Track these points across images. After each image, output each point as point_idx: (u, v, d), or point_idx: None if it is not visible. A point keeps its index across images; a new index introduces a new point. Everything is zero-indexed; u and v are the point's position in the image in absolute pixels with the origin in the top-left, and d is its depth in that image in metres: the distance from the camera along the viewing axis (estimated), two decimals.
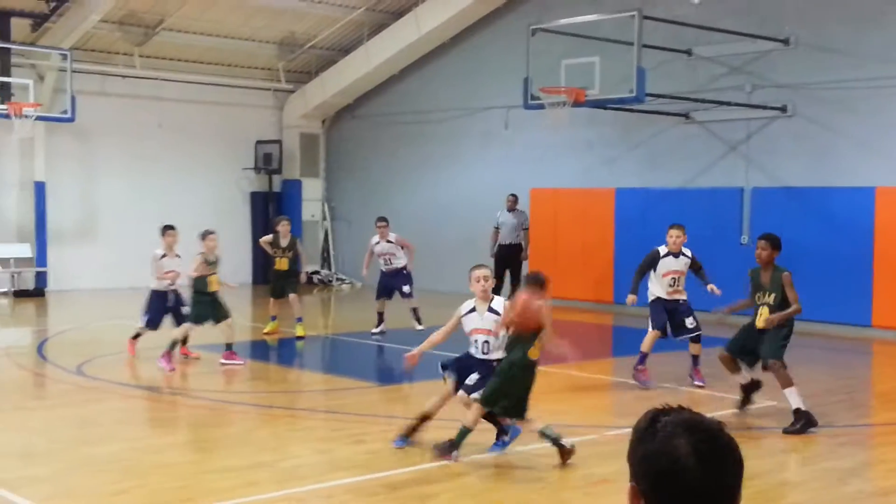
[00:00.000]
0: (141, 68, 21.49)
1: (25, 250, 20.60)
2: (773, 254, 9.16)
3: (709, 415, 2.15)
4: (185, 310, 12.46)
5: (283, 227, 14.70)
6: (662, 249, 10.89)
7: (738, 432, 2.02)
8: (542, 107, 15.52)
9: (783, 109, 16.33)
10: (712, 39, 16.95)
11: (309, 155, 24.14)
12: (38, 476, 7.41)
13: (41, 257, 20.69)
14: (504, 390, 7.59)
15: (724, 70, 17.15)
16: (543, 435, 7.62)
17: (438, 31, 20.92)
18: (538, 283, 7.89)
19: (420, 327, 14.20)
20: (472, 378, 7.84)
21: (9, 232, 20.75)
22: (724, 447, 2.06)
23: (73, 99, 18.65)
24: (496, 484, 7.39)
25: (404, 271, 14.90)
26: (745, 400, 9.48)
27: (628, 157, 18.51)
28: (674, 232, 10.91)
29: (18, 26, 19.93)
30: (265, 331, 14.77)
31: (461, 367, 7.99)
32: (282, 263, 14.58)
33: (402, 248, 14.98)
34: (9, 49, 19.37)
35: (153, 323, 12.44)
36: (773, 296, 9.04)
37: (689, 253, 10.92)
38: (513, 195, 18.71)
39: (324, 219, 24.30)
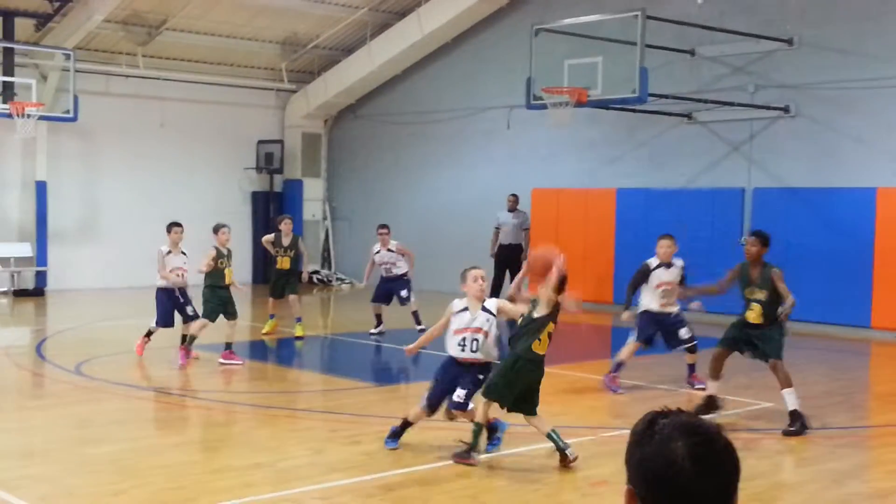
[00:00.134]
0: (144, 68, 21.51)
1: (26, 249, 20.62)
2: (762, 250, 9.18)
3: (710, 415, 2.14)
4: (190, 309, 12.45)
5: (286, 225, 14.68)
6: (653, 262, 10.74)
7: (734, 434, 2.01)
8: (544, 107, 15.51)
9: (786, 110, 16.32)
10: (715, 39, 16.93)
11: (310, 155, 24.15)
12: (37, 476, 7.41)
13: (41, 257, 20.71)
14: (506, 383, 7.57)
15: (727, 70, 17.13)
16: (550, 438, 7.60)
17: (441, 31, 20.92)
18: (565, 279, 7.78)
19: (420, 328, 14.18)
20: (460, 394, 7.79)
21: (9, 231, 20.78)
22: (720, 451, 2.05)
23: (75, 99, 18.67)
24: (493, 485, 7.37)
25: (404, 277, 14.84)
26: (703, 411, 9.25)
27: (630, 158, 18.49)
28: (664, 242, 10.75)
29: (22, 26, 19.95)
30: (264, 331, 14.75)
31: (442, 389, 7.95)
32: (283, 262, 14.54)
33: (403, 255, 14.89)
34: (12, 49, 19.41)
35: (164, 321, 12.43)
36: (763, 292, 9.04)
37: (680, 263, 10.76)
38: (513, 195, 18.71)
39: (324, 218, 24.30)
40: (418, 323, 14.37)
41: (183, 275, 12.49)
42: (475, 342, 7.85)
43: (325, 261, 24.17)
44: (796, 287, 15.13)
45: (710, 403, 9.29)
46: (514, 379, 7.60)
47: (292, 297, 14.44)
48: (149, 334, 12.53)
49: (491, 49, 20.64)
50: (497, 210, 18.83)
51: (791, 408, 8.90)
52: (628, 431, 2.15)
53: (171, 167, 22.39)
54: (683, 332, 10.65)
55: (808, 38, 16.16)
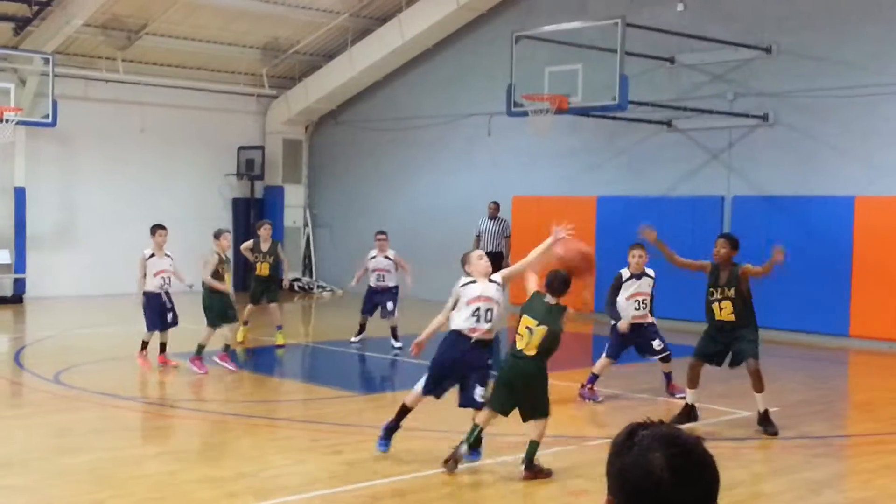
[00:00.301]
0: (124, 73, 21.42)
1: (4, 256, 20.46)
2: (731, 253, 9.35)
3: (688, 425, 2.16)
4: (170, 316, 12.41)
5: (265, 231, 14.56)
6: (625, 272, 10.73)
7: (713, 443, 2.03)
8: (525, 114, 15.55)
9: (764, 118, 16.42)
10: (695, 48, 17.03)
11: (291, 161, 24.11)
12: (15, 486, 7.37)
13: (20, 263, 20.56)
14: (496, 384, 7.63)
15: (707, 78, 17.23)
16: (531, 445, 7.62)
17: (422, 38, 20.94)
18: (566, 284, 7.78)
19: (398, 346, 14.09)
20: (481, 393, 7.72)
21: None
22: (699, 462, 2.06)
23: (54, 103, 18.57)
24: (475, 494, 7.39)
25: (393, 291, 14.52)
26: (681, 420, 9.32)
27: (611, 165, 18.56)
28: (636, 252, 10.71)
29: (0, 30, 19.84)
30: (237, 339, 14.61)
31: (444, 373, 7.89)
32: (262, 269, 14.35)
33: (398, 266, 14.56)
34: None
35: (154, 325, 12.34)
36: (732, 289, 9.25)
37: (651, 273, 10.77)
38: (494, 203, 18.74)
39: (306, 225, 24.27)
40: (395, 338, 14.20)
41: (169, 278, 12.43)
42: (489, 312, 7.83)
43: (307, 268, 24.12)
44: (775, 295, 15.30)
45: (689, 412, 9.39)
46: (499, 378, 7.62)
47: (272, 305, 14.31)
48: (144, 346, 12.40)
49: (472, 56, 20.68)
50: (478, 217, 18.85)
51: (764, 408, 9.19)
52: (608, 441, 2.17)
53: (152, 173, 22.30)
54: (656, 344, 10.67)
55: (786, 46, 16.28)
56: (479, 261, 8.05)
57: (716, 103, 16.82)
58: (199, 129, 22.91)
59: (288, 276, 15.17)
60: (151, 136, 22.20)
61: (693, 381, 9.47)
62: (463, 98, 20.84)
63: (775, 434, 9.11)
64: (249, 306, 14.75)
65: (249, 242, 14.77)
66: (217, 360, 12.19)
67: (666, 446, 2.05)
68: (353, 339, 14.71)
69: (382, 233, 14.84)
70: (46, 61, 18.89)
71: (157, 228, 12.56)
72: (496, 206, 18.72)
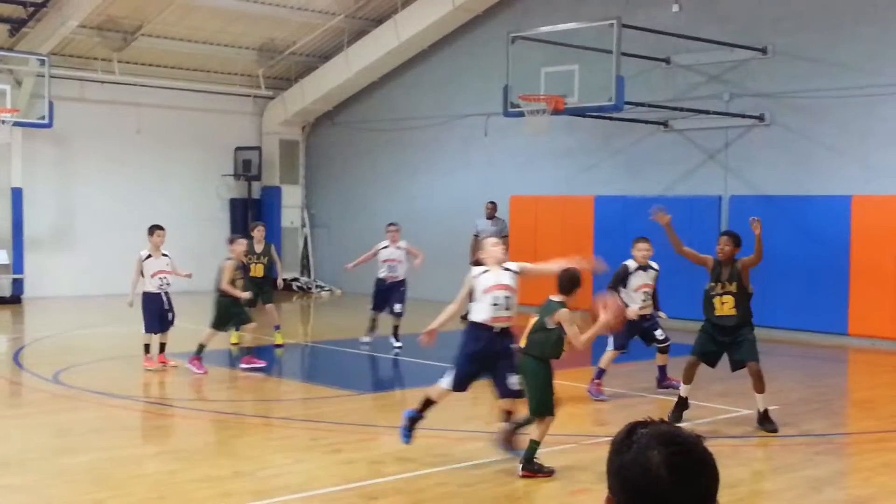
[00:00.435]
0: (120, 74, 21.41)
1: (2, 257, 20.44)
2: (735, 250, 9.44)
3: (688, 423, 2.16)
4: (170, 316, 12.41)
5: (258, 232, 14.60)
6: (632, 264, 10.82)
7: (713, 441, 2.04)
8: (521, 114, 15.55)
9: (761, 118, 16.45)
10: (691, 48, 17.05)
11: (288, 161, 24.11)
12: (14, 486, 7.36)
13: (18, 264, 20.54)
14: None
15: (703, 79, 17.25)
16: (529, 444, 7.64)
17: (418, 38, 20.95)
18: (574, 282, 7.77)
19: (398, 345, 14.06)
20: (515, 381, 7.69)
21: None
22: (698, 460, 2.06)
23: (50, 105, 18.56)
24: (475, 493, 7.38)
25: (402, 287, 14.41)
26: (678, 416, 9.38)
27: (607, 165, 18.58)
28: (642, 245, 10.83)
29: None
30: (232, 341, 14.61)
31: (472, 368, 7.84)
32: (257, 270, 14.38)
33: (409, 254, 14.48)
34: None
35: (152, 327, 12.31)
36: (733, 284, 9.33)
37: (655, 266, 10.89)
38: (492, 203, 18.74)
39: (303, 226, 24.26)
40: (396, 338, 14.14)
41: (166, 278, 12.41)
42: (507, 299, 7.80)
43: (304, 268, 24.11)
44: (773, 294, 15.32)
45: (683, 404, 9.46)
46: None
47: (269, 305, 14.33)
48: (147, 349, 12.35)
49: (468, 56, 20.69)
50: (475, 217, 18.85)
51: (764, 407, 9.25)
52: (608, 439, 2.18)
53: (148, 174, 22.28)
54: (658, 333, 10.84)
55: (782, 47, 16.31)
56: (494, 248, 8.01)
57: (712, 104, 16.84)
58: (196, 130, 22.90)
59: (281, 276, 15.12)
60: (148, 137, 22.19)
61: (688, 379, 9.54)
62: (459, 99, 20.85)
63: (775, 431, 9.16)
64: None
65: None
66: (244, 366, 12.29)
67: (665, 444, 2.06)
68: (364, 339, 14.46)
69: (394, 224, 14.78)
70: (42, 62, 18.90)
71: (154, 229, 12.53)
72: (493, 206, 18.72)
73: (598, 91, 14.90)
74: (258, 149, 23.44)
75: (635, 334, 10.84)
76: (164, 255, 12.46)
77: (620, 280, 10.78)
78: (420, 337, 8.02)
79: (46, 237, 21.16)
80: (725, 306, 9.34)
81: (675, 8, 17.30)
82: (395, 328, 14.30)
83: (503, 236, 18.71)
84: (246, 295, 12.47)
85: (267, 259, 14.44)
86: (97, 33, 20.51)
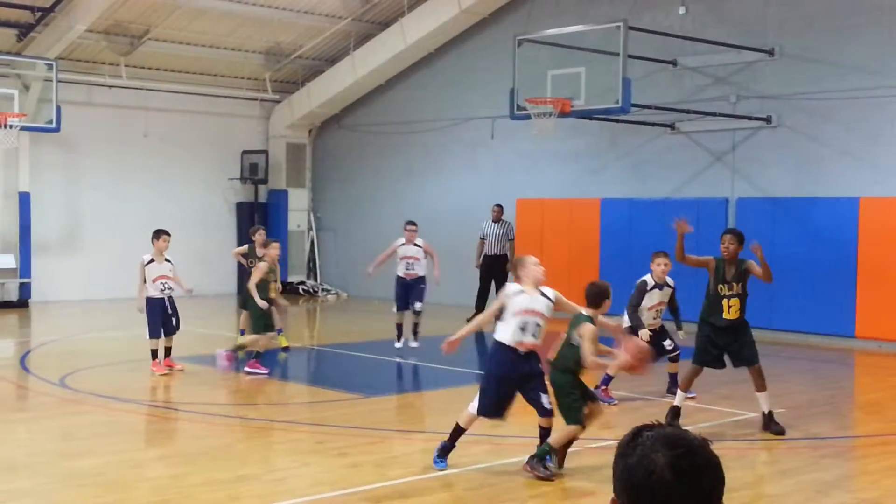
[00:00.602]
0: (127, 78, 21.45)
1: (9, 261, 20.51)
2: (739, 248, 9.38)
3: (694, 426, 2.16)
4: (174, 321, 12.42)
5: (260, 236, 14.60)
6: (650, 280, 10.58)
7: (718, 444, 2.03)
8: (528, 117, 15.55)
9: (768, 120, 16.41)
10: (697, 50, 17.04)
11: (295, 165, 24.13)
12: (21, 490, 7.37)
13: (25, 268, 20.60)
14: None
15: (709, 81, 17.23)
16: (544, 445, 7.66)
17: (425, 42, 20.96)
18: (602, 295, 7.79)
19: (415, 344, 14.04)
20: (547, 401, 7.64)
21: None
22: (703, 463, 2.06)
23: (58, 109, 18.60)
24: (479, 497, 7.37)
25: (421, 284, 14.37)
26: (673, 418, 9.31)
27: (614, 168, 18.56)
28: (661, 260, 10.57)
29: (3, 36, 19.89)
30: (238, 342, 14.60)
31: (504, 392, 7.75)
32: None
33: (426, 254, 14.49)
34: None
35: (155, 332, 12.29)
36: (739, 285, 9.30)
37: (671, 283, 10.68)
38: (498, 205, 18.74)
39: (310, 229, 24.27)
40: (415, 337, 14.09)
41: (168, 283, 12.40)
42: (537, 326, 7.67)
43: (311, 271, 24.13)
44: (780, 297, 15.28)
45: (676, 412, 9.41)
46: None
47: (270, 308, 14.36)
48: (154, 355, 12.35)
49: (474, 59, 20.69)
50: (482, 220, 18.85)
51: (767, 409, 9.25)
52: (614, 443, 2.17)
53: (155, 178, 22.33)
54: (667, 344, 10.69)
55: (789, 48, 16.28)
56: (535, 267, 7.80)
57: (719, 106, 16.81)
58: (203, 134, 22.95)
59: (279, 281, 15.06)
60: (155, 141, 22.24)
61: (687, 386, 9.54)
62: (466, 101, 20.85)
63: (782, 433, 9.14)
64: (244, 313, 14.72)
65: (244, 248, 14.90)
66: (247, 369, 12.33)
67: (669, 447, 2.06)
68: (397, 345, 14.40)
69: (412, 223, 14.73)
70: (50, 67, 18.94)
71: (160, 233, 12.48)
72: (500, 209, 18.72)
73: (605, 93, 14.89)
74: (265, 152, 23.47)
75: None
76: (167, 260, 12.43)
77: (641, 297, 10.51)
78: (442, 345, 7.95)
79: (54, 241, 21.21)
80: (732, 309, 9.29)
81: (682, 10, 17.28)
82: (415, 326, 14.33)
83: (510, 239, 18.73)
84: (263, 304, 12.42)
85: None
86: (104, 38, 20.55)
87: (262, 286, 12.45)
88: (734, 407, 10.38)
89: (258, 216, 22.86)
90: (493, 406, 7.70)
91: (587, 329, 7.58)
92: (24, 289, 20.60)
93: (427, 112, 21.69)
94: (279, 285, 13.45)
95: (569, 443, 7.80)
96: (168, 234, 12.49)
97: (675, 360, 10.79)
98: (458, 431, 7.81)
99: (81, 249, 21.47)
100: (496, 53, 19.13)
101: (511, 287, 7.82)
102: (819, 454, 8.67)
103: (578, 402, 7.65)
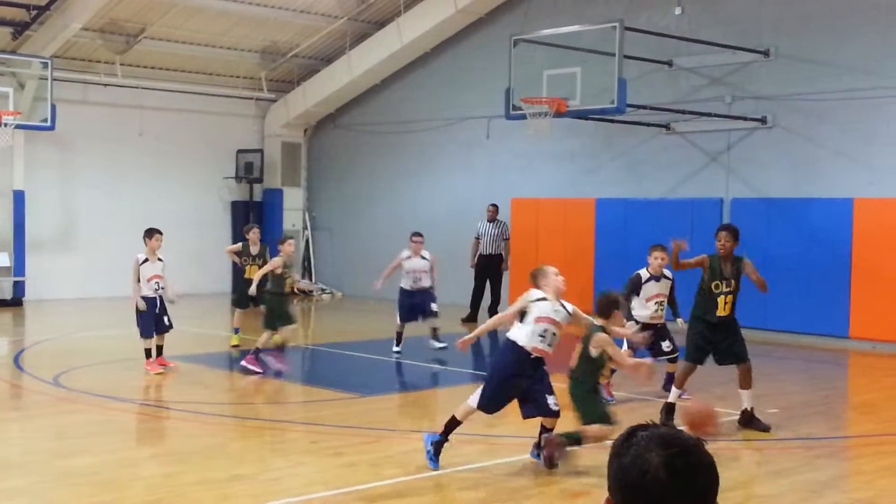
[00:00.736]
0: (122, 77, 21.42)
1: (4, 259, 20.46)
2: (734, 245, 9.45)
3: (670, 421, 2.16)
4: (166, 319, 12.39)
5: (254, 234, 14.63)
6: (644, 273, 10.70)
7: (712, 444, 2.03)
8: (523, 117, 15.55)
9: (763, 121, 16.43)
10: (693, 51, 17.05)
11: (290, 164, 24.11)
12: (14, 489, 7.36)
13: (19, 266, 20.55)
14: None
15: (705, 81, 17.24)
16: (574, 432, 7.75)
17: (420, 41, 20.95)
18: (613, 305, 7.85)
19: (440, 345, 13.85)
20: (554, 402, 7.74)
21: None
22: (697, 462, 2.07)
23: (53, 107, 18.57)
24: (475, 496, 7.37)
25: (430, 290, 14.14)
26: (667, 416, 9.44)
27: (609, 168, 18.57)
28: (658, 254, 10.64)
29: None
30: (232, 343, 14.61)
31: (509, 391, 7.82)
32: (252, 272, 14.33)
33: (432, 267, 14.23)
34: None
35: (148, 332, 12.26)
36: (733, 283, 9.38)
37: (669, 274, 10.75)
38: (493, 205, 18.74)
39: (305, 228, 24.26)
40: (437, 339, 13.91)
41: (160, 283, 12.37)
42: (553, 336, 7.77)
43: (306, 271, 24.11)
44: (774, 297, 15.28)
45: (671, 409, 9.44)
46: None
47: (265, 307, 14.36)
48: (148, 354, 12.32)
49: (470, 59, 20.69)
50: (477, 220, 18.86)
51: (750, 406, 9.39)
52: (610, 442, 2.18)
53: (150, 176, 22.30)
54: (665, 345, 10.70)
55: (784, 49, 16.29)
56: (556, 277, 7.89)
57: (714, 106, 16.83)
58: (198, 133, 22.92)
59: (293, 277, 15.12)
60: (150, 140, 22.21)
61: (682, 383, 9.60)
62: (461, 101, 20.84)
63: (767, 430, 9.20)
64: (236, 311, 14.73)
65: (237, 246, 14.90)
66: (243, 363, 12.40)
67: (663, 447, 2.06)
68: (395, 349, 14.20)
69: (419, 234, 14.40)
70: (45, 65, 18.90)
71: (152, 232, 12.41)
72: (495, 209, 18.72)
73: (601, 93, 14.89)
74: (260, 151, 23.46)
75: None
76: (160, 259, 12.40)
77: (633, 289, 10.68)
78: (457, 343, 8.10)
79: (48, 240, 21.17)
80: (727, 306, 9.38)
81: (678, 11, 17.30)
82: (434, 330, 14.08)
83: (505, 239, 18.73)
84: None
85: (262, 261, 14.42)
86: (100, 36, 20.52)
87: (279, 282, 12.53)
88: (729, 407, 10.38)
89: (253, 215, 22.83)
90: (494, 403, 7.82)
91: (602, 339, 7.69)
92: (19, 287, 20.55)
93: (423, 112, 21.68)
94: (295, 281, 13.52)
95: (568, 442, 7.83)
96: (160, 233, 12.44)
97: (673, 360, 10.81)
98: (453, 424, 7.85)
99: (76, 248, 21.44)
100: (492, 53, 19.13)
101: (534, 293, 7.86)
102: (813, 454, 8.69)
103: (602, 404, 7.83)
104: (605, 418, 7.72)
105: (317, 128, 24.25)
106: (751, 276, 9.38)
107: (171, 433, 9.82)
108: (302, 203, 24.30)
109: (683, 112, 16.81)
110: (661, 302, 10.70)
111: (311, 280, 23.90)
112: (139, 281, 12.25)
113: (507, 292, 18.40)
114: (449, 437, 7.85)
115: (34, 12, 19.42)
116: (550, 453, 7.65)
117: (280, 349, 12.62)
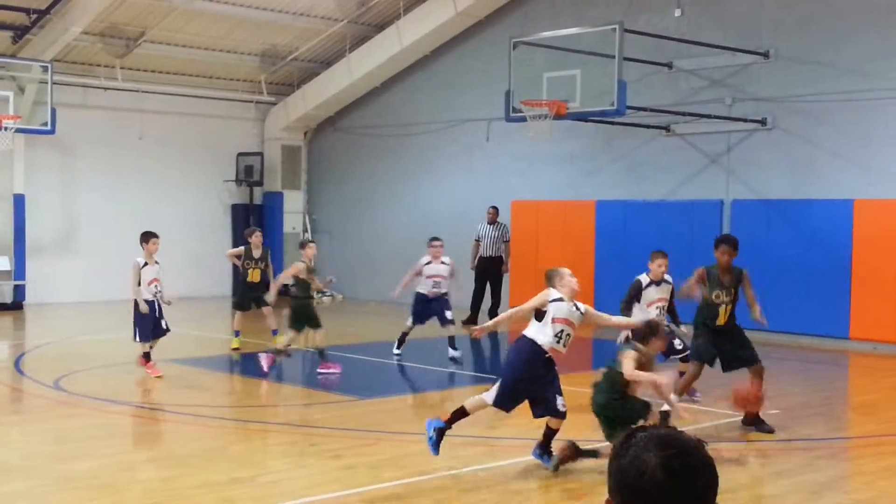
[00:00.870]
0: (122, 80, 21.43)
1: (4, 263, 20.46)
2: (734, 255, 9.55)
3: (691, 427, 2.16)
4: (164, 323, 12.38)
5: (256, 238, 14.66)
6: (644, 279, 10.66)
7: (714, 445, 2.03)
8: (523, 119, 15.54)
9: (763, 122, 16.43)
10: (693, 53, 17.05)
11: (290, 167, 24.12)
12: (15, 492, 7.36)
13: (20, 270, 20.56)
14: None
15: (705, 83, 17.24)
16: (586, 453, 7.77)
17: (420, 44, 20.95)
18: (651, 331, 7.86)
19: (457, 353, 13.67)
20: (563, 403, 7.76)
21: None
22: (695, 463, 2.07)
23: (53, 111, 18.57)
24: (475, 499, 7.37)
25: (446, 296, 13.90)
26: (665, 420, 9.44)
27: (609, 170, 18.57)
28: (659, 259, 10.65)
29: None
30: (232, 346, 14.61)
31: (523, 389, 7.84)
32: (254, 275, 14.51)
33: (452, 273, 13.98)
34: None
35: (146, 336, 12.24)
36: (732, 293, 9.48)
37: (670, 279, 10.77)
38: (493, 207, 18.74)
39: (305, 231, 24.25)
40: (454, 347, 13.71)
41: (157, 286, 12.35)
42: (568, 337, 7.83)
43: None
44: (775, 298, 15.29)
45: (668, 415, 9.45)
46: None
47: (266, 309, 14.41)
48: (147, 357, 12.29)
49: (470, 62, 20.69)
50: (477, 222, 18.86)
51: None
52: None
53: (150, 180, 22.30)
54: (677, 343, 10.71)
55: (784, 51, 16.30)
56: (571, 278, 7.96)
57: (714, 108, 16.83)
58: (198, 136, 22.92)
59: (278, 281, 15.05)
60: (150, 144, 22.21)
61: (685, 388, 9.63)
62: (461, 104, 20.85)
63: (771, 432, 9.22)
64: (238, 314, 14.73)
65: (238, 249, 14.90)
66: (321, 371, 12.58)
67: (661, 448, 2.07)
68: (396, 351, 14.11)
69: (437, 239, 14.17)
70: (45, 69, 18.90)
71: (149, 236, 12.38)
72: (495, 211, 18.72)
73: (600, 96, 14.89)
74: (260, 154, 23.47)
75: None
76: (157, 262, 12.38)
77: (634, 295, 10.65)
78: (473, 330, 8.26)
79: (48, 244, 21.17)
80: (727, 315, 9.49)
81: (677, 12, 17.30)
82: (451, 338, 13.79)
83: (505, 241, 18.73)
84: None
85: (265, 264, 14.57)
86: (100, 40, 20.53)
87: (304, 285, 12.57)
88: (730, 408, 10.37)
89: (253, 218, 22.84)
90: (510, 401, 7.86)
91: (626, 354, 7.72)
92: (19, 291, 20.56)
93: (422, 114, 21.69)
94: (317, 284, 13.52)
95: (580, 453, 7.81)
96: (157, 237, 12.42)
97: (684, 360, 10.81)
98: (460, 414, 7.88)
99: (76, 251, 21.44)
100: (492, 56, 19.13)
101: (551, 292, 7.88)
102: (813, 455, 8.68)
103: (629, 409, 7.75)
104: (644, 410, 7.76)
105: (317, 131, 24.25)
106: (745, 290, 9.53)
107: (171, 436, 9.81)
108: (302, 206, 24.30)
109: (683, 114, 16.82)
110: (663, 307, 10.69)
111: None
112: (139, 284, 12.24)
113: (508, 294, 18.41)
114: (452, 426, 7.86)
115: (34, 16, 19.43)
116: (563, 458, 7.66)
117: (321, 354, 12.66)
